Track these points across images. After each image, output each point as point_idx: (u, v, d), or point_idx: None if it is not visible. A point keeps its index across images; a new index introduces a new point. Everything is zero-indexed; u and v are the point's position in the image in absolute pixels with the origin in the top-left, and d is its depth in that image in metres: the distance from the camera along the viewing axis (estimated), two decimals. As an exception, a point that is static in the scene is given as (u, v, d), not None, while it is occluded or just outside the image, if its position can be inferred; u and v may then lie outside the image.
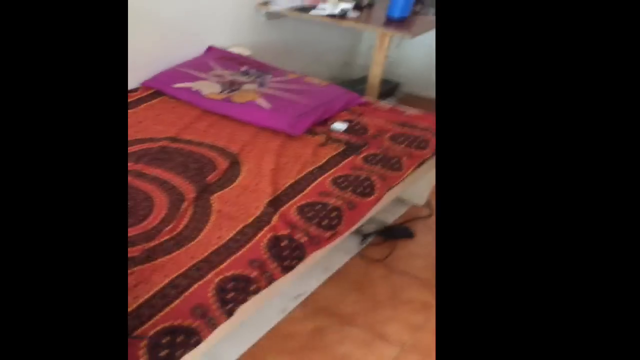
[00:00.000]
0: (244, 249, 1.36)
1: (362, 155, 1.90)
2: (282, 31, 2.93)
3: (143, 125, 1.90)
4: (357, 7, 2.80)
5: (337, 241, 1.60)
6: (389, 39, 2.56)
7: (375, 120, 2.15)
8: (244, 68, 2.32)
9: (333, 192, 1.65)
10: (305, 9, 2.66)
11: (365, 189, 1.71)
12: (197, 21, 2.41)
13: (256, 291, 1.28)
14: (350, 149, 1.94)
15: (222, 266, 1.29)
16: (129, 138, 1.81)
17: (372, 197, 1.72)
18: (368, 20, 2.66)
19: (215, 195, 1.57)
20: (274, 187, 1.63)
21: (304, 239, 1.45)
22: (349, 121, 2.14)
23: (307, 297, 1.88)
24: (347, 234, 1.71)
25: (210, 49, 2.47)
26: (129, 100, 2.05)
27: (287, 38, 2.98)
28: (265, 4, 2.71)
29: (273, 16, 2.77)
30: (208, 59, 2.35)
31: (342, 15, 2.61)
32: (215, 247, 1.35)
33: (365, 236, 2.23)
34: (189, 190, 1.56)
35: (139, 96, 2.09)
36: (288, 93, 2.14)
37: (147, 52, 2.20)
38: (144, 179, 1.59)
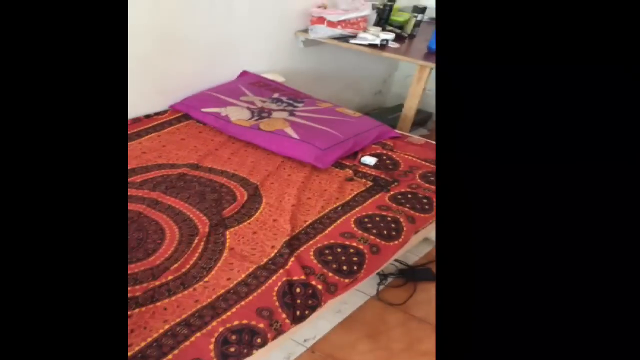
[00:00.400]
0: (253, 295, 1.26)
1: (390, 193, 1.78)
2: (317, 58, 2.87)
3: (165, 150, 1.85)
4: (399, 37, 2.71)
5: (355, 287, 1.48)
6: (429, 71, 2.46)
7: (407, 156, 2.04)
8: (275, 95, 2.25)
9: (356, 234, 1.54)
10: (345, 38, 2.58)
11: (391, 232, 1.60)
12: (233, 46, 2.36)
13: (262, 345, 1.18)
14: (379, 186, 1.83)
15: (227, 314, 1.19)
16: (150, 163, 1.75)
17: (398, 240, 1.60)
18: (408, 51, 2.57)
19: (230, 230, 1.48)
20: (293, 224, 1.54)
21: (320, 286, 1.34)
22: (380, 155, 2.03)
23: (315, 342, 1.76)
24: (366, 280, 1.60)
25: (243, 73, 2.42)
26: (155, 122, 2.00)
27: (321, 65, 2.92)
28: (305, 31, 2.66)
29: (311, 43, 2.71)
30: (240, 84, 2.29)
31: (383, 46, 2.52)
32: (223, 290, 1.26)
33: (384, 276, 2.10)
34: (203, 224, 1.48)
35: (166, 119, 2.05)
36: (318, 123, 2.05)
37: (179, 75, 2.15)
38: (158, 209, 1.53)
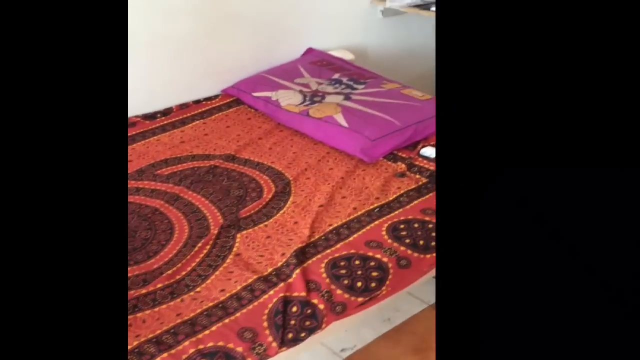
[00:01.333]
0: (241, 312, 1.15)
1: (444, 194, 1.53)
2: (401, 29, 2.58)
3: (206, 139, 1.78)
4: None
5: (376, 307, 1.29)
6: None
7: (480, 146, 1.74)
8: (336, 75, 2.06)
9: (384, 243, 1.34)
10: (426, 5, 2.29)
11: (429, 242, 1.37)
12: (296, 20, 2.21)
13: (237, 370, 1.06)
14: (434, 184, 1.58)
15: (204, 333, 1.09)
16: (185, 153, 1.69)
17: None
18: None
19: (242, 233, 1.37)
20: (314, 229, 1.38)
21: (322, 305, 1.18)
22: (445, 146, 1.76)
23: (353, 353, 1.59)
24: (421, 284, 1.42)
25: (308, 51, 2.26)
26: (202, 109, 1.94)
27: (407, 37, 2.63)
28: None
29: (391, 13, 2.45)
30: (300, 64, 2.14)
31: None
32: (211, 304, 1.16)
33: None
34: (216, 224, 1.39)
35: (215, 105, 1.97)
36: (375, 108, 1.83)
37: (233, 56, 2.06)
38: (176, 205, 1.46)
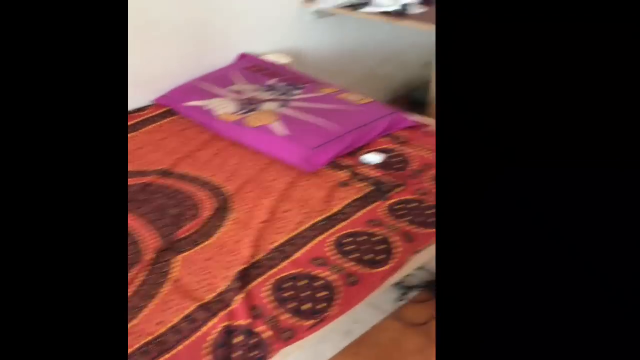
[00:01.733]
0: (180, 347, 1.07)
1: (389, 202, 1.51)
2: (338, 30, 2.55)
3: (139, 153, 1.67)
4: (425, 0, 2.32)
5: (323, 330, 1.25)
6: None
7: (422, 151, 1.73)
8: (271, 81, 1.99)
9: (330, 260, 1.30)
10: (356, 6, 2.26)
11: (378, 255, 1.34)
12: (229, 24, 2.12)
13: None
14: (378, 192, 1.55)
15: (141, 373, 1.01)
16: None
17: (387, 266, 1.34)
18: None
19: (181, 256, 1.29)
20: (256, 248, 1.31)
21: (268, 333, 1.12)
22: (387, 151, 1.74)
23: (312, 370, 1.55)
24: (381, 292, 1.38)
25: (241, 57, 2.18)
26: (133, 120, 1.82)
27: (346, 37, 2.59)
28: (311, 0, 2.35)
29: (323, 14, 2.40)
30: (232, 71, 2.06)
31: (400, 13, 2.17)
32: (149, 338, 1.08)
33: (406, 290, 1.83)
34: (150, 249, 1.30)
35: (148, 116, 1.86)
36: (313, 114, 1.79)
37: (163, 63, 1.95)
38: (106, 229, 1.36)
